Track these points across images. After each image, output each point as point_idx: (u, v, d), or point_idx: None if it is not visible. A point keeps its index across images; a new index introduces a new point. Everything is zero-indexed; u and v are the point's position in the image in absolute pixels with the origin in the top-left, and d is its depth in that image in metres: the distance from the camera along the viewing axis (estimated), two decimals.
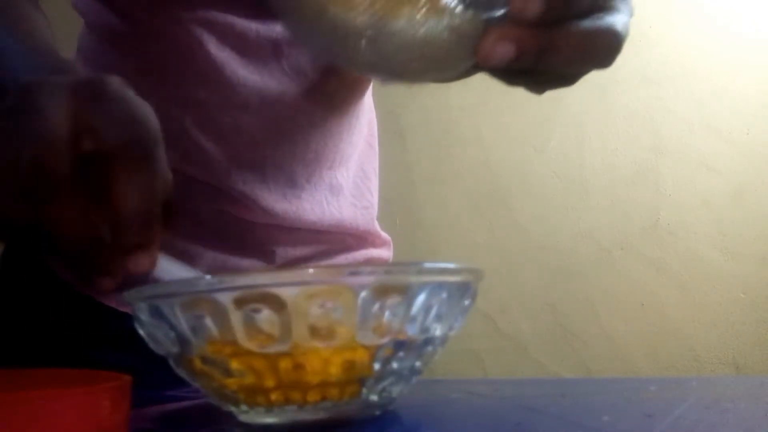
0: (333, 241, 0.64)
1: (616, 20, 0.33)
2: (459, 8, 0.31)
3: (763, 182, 1.69)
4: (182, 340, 0.32)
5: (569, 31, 0.31)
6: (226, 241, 0.58)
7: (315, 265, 0.63)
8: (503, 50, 0.30)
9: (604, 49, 0.33)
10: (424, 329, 0.32)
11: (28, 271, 0.62)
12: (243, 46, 0.55)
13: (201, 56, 0.54)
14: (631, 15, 0.36)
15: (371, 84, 0.65)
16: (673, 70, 1.72)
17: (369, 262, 0.67)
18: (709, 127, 1.71)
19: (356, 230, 0.65)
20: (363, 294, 0.29)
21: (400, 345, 0.32)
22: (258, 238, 0.59)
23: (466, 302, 0.34)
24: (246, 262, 0.59)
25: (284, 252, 0.61)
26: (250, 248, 0.59)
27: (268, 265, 0.60)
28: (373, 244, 0.67)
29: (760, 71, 1.71)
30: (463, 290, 0.34)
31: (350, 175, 0.65)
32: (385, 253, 0.69)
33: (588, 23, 0.32)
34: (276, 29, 0.56)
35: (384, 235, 0.69)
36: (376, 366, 0.32)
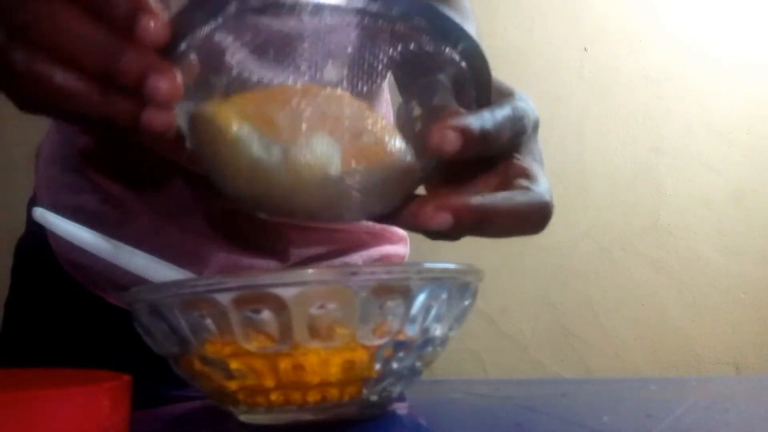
0: (348, 239, 0.63)
1: (544, 190, 0.36)
2: (403, 156, 0.33)
3: (763, 182, 1.69)
4: (182, 341, 0.32)
5: (504, 205, 0.34)
6: (238, 240, 0.58)
7: (315, 265, 0.62)
8: (441, 219, 0.32)
9: (536, 221, 0.36)
10: (424, 329, 0.32)
11: (31, 271, 0.62)
12: (253, 39, 0.54)
13: None
14: (544, 171, 0.39)
15: (387, 79, 0.63)
16: (673, 70, 1.72)
17: (385, 259, 0.65)
18: (709, 127, 1.71)
19: (372, 227, 0.64)
20: (363, 294, 0.29)
21: (400, 345, 0.32)
22: (271, 238, 0.59)
23: (466, 302, 0.34)
24: (259, 262, 0.58)
25: (298, 251, 0.60)
26: (263, 248, 0.59)
27: (281, 264, 0.59)
28: (390, 241, 0.66)
29: (760, 71, 1.71)
30: (463, 290, 0.34)
31: None
32: (401, 249, 0.67)
33: (521, 196, 0.35)
34: (289, 23, 0.55)
35: (400, 231, 0.68)
36: (376, 366, 0.32)
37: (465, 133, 0.31)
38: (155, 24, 0.28)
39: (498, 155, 0.36)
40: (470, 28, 0.59)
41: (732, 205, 1.69)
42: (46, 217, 0.40)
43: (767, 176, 1.69)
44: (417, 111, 0.35)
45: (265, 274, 0.30)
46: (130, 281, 0.37)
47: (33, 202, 0.62)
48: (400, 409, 0.38)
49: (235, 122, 0.31)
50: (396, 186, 0.33)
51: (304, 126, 0.31)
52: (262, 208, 0.37)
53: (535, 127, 0.39)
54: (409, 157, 0.33)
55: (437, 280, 0.32)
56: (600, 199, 1.71)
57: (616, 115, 1.72)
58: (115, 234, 0.40)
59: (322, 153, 0.31)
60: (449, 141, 0.31)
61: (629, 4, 1.71)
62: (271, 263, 0.59)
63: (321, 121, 0.31)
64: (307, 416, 0.33)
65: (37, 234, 0.60)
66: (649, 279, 1.69)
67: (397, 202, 0.34)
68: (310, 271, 0.30)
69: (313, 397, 0.32)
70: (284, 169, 0.31)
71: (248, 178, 0.32)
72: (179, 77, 0.29)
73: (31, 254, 0.62)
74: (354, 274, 0.30)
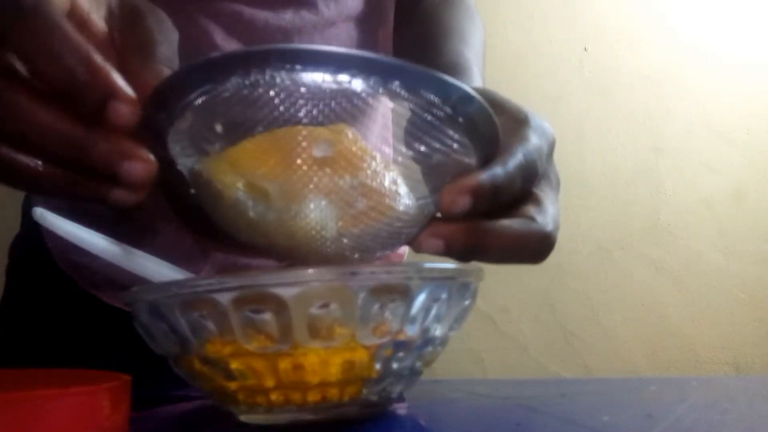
0: None
1: (548, 220, 0.35)
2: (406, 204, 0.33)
3: (763, 182, 1.69)
4: (182, 341, 0.32)
5: (501, 233, 0.33)
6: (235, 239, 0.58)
7: (315, 265, 0.62)
8: (433, 245, 0.33)
9: (535, 251, 0.35)
10: (424, 329, 0.32)
11: (27, 270, 0.62)
12: (251, 35, 0.54)
13: (207, 48, 0.53)
14: (557, 195, 0.38)
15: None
16: (673, 70, 1.71)
17: (384, 258, 0.65)
18: (709, 127, 1.71)
19: None
20: (363, 294, 0.29)
21: (400, 345, 0.32)
22: None
23: (466, 302, 0.34)
24: (256, 262, 0.58)
25: None
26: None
27: (278, 264, 0.59)
28: None
29: (760, 71, 1.71)
30: (463, 290, 0.34)
31: None
32: (400, 248, 0.68)
33: (520, 225, 0.34)
34: (286, 17, 0.55)
35: None
36: (376, 366, 0.32)
37: (476, 192, 0.31)
38: (126, 109, 0.28)
39: (512, 201, 0.35)
40: (476, 36, 0.58)
41: (732, 205, 1.69)
42: (46, 216, 0.40)
43: (767, 176, 1.69)
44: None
45: (265, 274, 0.30)
46: (129, 281, 0.37)
47: (28, 201, 0.62)
48: (400, 409, 0.38)
49: (232, 186, 0.31)
50: (397, 235, 0.33)
51: (297, 194, 0.31)
52: (265, 256, 0.38)
53: (551, 147, 0.38)
54: (412, 208, 0.32)
55: (437, 280, 0.32)
56: (600, 199, 1.71)
57: (616, 115, 1.72)
58: (113, 233, 0.40)
59: (316, 219, 0.31)
60: (460, 204, 0.31)
61: (629, 4, 1.71)
62: (269, 263, 0.59)
63: (317, 185, 0.31)
64: (307, 416, 0.33)
65: (33, 233, 0.60)
66: (649, 279, 1.69)
67: (400, 246, 0.34)
68: (310, 270, 0.30)
69: (313, 397, 0.32)
70: (280, 231, 0.32)
71: (248, 234, 0.33)
72: (153, 161, 0.29)
73: (27, 253, 0.62)
74: (354, 274, 0.30)
